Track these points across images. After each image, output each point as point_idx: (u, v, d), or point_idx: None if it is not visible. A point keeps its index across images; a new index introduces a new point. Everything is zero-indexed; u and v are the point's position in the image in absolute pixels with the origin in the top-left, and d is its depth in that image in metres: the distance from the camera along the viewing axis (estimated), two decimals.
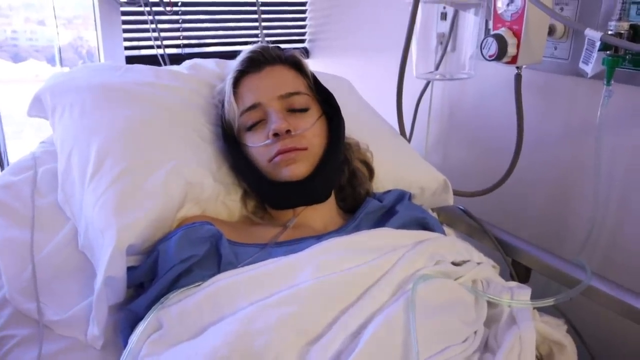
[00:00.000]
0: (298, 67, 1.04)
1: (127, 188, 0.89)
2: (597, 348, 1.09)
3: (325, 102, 1.05)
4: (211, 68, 1.20)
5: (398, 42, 1.54)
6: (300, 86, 1.01)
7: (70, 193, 0.98)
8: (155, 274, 0.86)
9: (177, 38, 1.80)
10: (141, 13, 1.68)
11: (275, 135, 0.94)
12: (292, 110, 0.98)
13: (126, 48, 1.72)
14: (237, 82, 1.00)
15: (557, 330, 0.95)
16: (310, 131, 0.97)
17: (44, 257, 0.95)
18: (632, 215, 1.16)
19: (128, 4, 1.63)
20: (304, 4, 2.02)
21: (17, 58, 1.78)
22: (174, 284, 0.83)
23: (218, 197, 1.00)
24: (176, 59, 1.75)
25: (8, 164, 1.40)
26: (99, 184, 0.91)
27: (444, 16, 1.34)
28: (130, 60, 1.74)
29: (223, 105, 1.02)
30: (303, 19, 2.05)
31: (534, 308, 0.91)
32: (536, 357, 0.93)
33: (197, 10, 1.83)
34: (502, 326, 0.85)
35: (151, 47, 1.73)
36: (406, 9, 1.31)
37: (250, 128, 0.98)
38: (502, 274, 1.04)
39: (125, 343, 0.80)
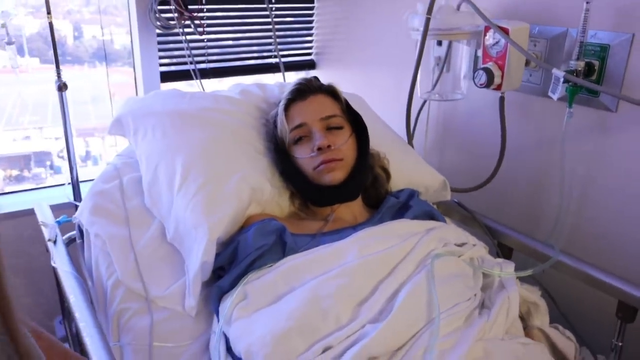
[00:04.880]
0: (334, 95, 1.24)
1: (210, 194, 1.12)
2: (565, 307, 1.26)
3: (355, 121, 1.24)
4: (256, 92, 1.41)
5: (396, 57, 1.69)
6: (336, 110, 1.21)
7: (157, 198, 1.20)
8: (234, 259, 1.06)
9: (203, 54, 1.98)
10: (174, 34, 1.87)
11: (319, 149, 1.14)
12: (330, 129, 1.18)
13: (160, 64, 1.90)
14: (287, 107, 1.21)
15: (533, 294, 1.16)
16: (345, 145, 1.17)
17: (141, 248, 1.16)
18: (589, 205, 1.33)
19: (164, 27, 1.82)
20: (311, 22, 2.18)
21: None
22: (251, 266, 1.03)
23: (273, 198, 1.20)
24: (203, 73, 1.96)
25: None
26: (187, 191, 1.13)
27: (439, 42, 1.52)
28: (164, 75, 1.92)
29: (275, 126, 1.22)
30: (310, 35, 2.21)
31: (517, 277, 1.11)
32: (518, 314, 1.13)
33: (219, 30, 2.01)
34: (494, 290, 1.06)
35: (183, 63, 1.92)
36: (404, 31, 1.47)
37: (296, 142, 1.19)
38: (490, 253, 1.21)
39: (216, 311, 1.02)
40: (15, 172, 2.02)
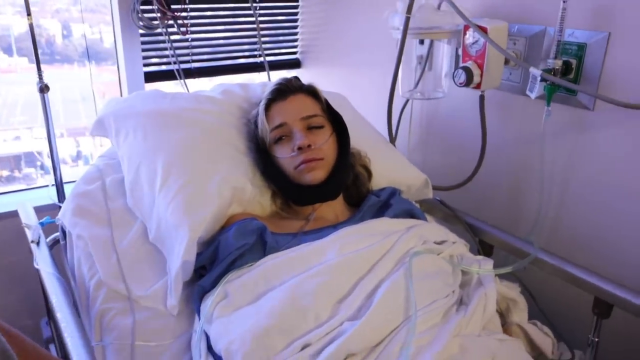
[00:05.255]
0: (314, 94, 1.25)
1: (192, 194, 1.13)
2: (544, 303, 1.26)
3: (335, 120, 1.25)
4: (238, 92, 1.42)
5: (380, 57, 1.69)
6: (317, 109, 1.22)
7: (139, 198, 1.21)
8: (216, 259, 1.07)
9: (187, 54, 1.98)
10: (158, 34, 1.87)
11: (300, 148, 1.15)
12: (310, 128, 1.19)
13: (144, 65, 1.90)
14: (268, 107, 1.22)
15: (512, 291, 1.18)
16: (325, 145, 1.18)
17: (124, 248, 1.17)
18: (569, 203, 1.35)
19: (147, 27, 1.81)
20: (295, 20, 2.19)
21: None
22: (231, 265, 1.04)
23: (255, 197, 1.21)
24: (187, 73, 1.97)
25: None
26: (168, 191, 1.14)
27: (422, 41, 1.53)
28: (148, 75, 1.92)
29: (256, 126, 1.23)
30: (295, 34, 2.22)
31: (496, 275, 1.12)
32: (497, 311, 1.14)
33: (203, 30, 2.01)
34: (472, 287, 1.07)
35: (167, 63, 1.93)
36: (387, 30, 1.48)
37: (277, 142, 1.20)
38: (471, 250, 1.22)
39: (197, 310, 1.03)
40: (5, 173, 2.02)
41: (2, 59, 1.77)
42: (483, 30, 1.23)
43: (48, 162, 1.91)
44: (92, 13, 1.85)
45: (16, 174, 2.02)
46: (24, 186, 1.94)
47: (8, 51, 1.76)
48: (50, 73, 1.56)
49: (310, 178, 1.16)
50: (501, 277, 1.20)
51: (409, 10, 1.33)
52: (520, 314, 1.19)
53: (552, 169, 1.36)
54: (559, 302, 1.35)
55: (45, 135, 1.54)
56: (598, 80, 1.21)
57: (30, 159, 2.07)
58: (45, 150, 2.00)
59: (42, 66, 1.50)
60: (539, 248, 1.23)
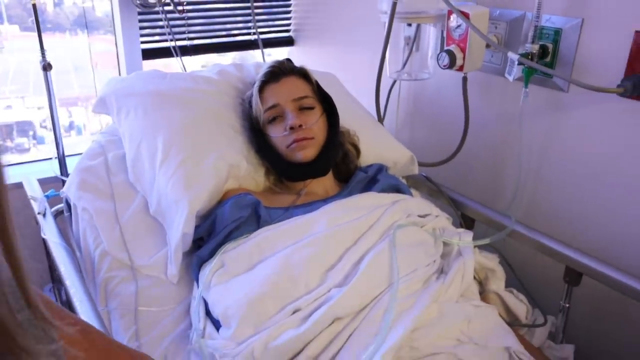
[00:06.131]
0: (305, 76, 1.30)
1: (190, 170, 1.19)
2: (520, 272, 1.31)
3: (325, 101, 1.31)
4: (233, 73, 1.47)
5: (371, 37, 1.71)
6: (308, 91, 1.27)
7: (140, 174, 1.27)
8: (213, 231, 1.14)
9: (184, 32, 2.02)
10: (155, 12, 1.91)
11: (292, 128, 1.21)
12: (302, 109, 1.24)
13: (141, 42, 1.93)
14: (261, 89, 1.27)
15: (490, 261, 1.26)
16: (316, 125, 1.24)
17: (126, 220, 1.24)
18: (544, 178, 1.41)
19: (143, 6, 1.85)
20: None
21: None
22: (228, 237, 1.11)
23: (249, 174, 1.28)
24: (184, 50, 2.01)
25: None
26: (168, 167, 1.20)
27: (409, 24, 1.57)
28: (145, 51, 1.95)
29: (251, 106, 1.29)
30: (288, 12, 2.25)
31: (475, 246, 1.20)
32: (476, 280, 1.24)
33: (199, 8, 2.04)
34: (452, 257, 1.14)
35: (164, 40, 1.97)
36: (378, 14, 1.52)
37: (270, 122, 1.25)
38: (454, 224, 1.29)
39: (196, 278, 1.10)
40: None
41: None
42: (465, 15, 1.28)
43: (41, 132, 1.94)
44: None
45: (8, 143, 2.02)
46: (17, 156, 1.95)
47: None
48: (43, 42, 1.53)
49: (301, 156, 1.22)
50: (481, 248, 1.26)
51: None
52: (497, 283, 1.26)
53: (530, 147, 1.42)
54: (534, 272, 1.42)
55: (37, 104, 1.54)
56: (572, 64, 1.27)
57: (22, 128, 2.07)
58: (38, 119, 2.02)
59: (32, 34, 1.49)
60: (516, 221, 1.30)
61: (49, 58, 1.52)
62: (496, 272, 1.27)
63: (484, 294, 1.25)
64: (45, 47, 1.51)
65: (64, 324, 0.39)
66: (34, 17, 1.49)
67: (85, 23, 1.86)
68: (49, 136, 1.88)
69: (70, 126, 2.20)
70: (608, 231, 1.30)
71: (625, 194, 1.25)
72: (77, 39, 1.92)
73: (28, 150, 2.07)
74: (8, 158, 1.97)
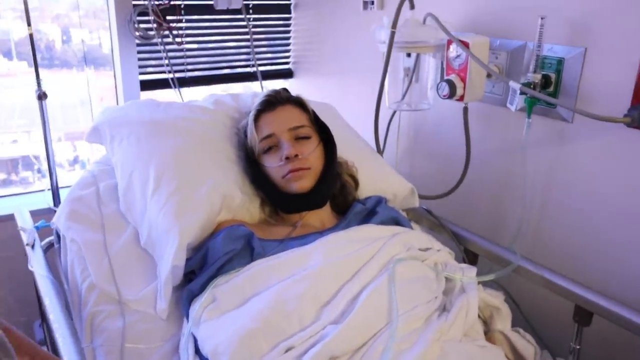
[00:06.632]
0: (301, 105, 1.28)
1: (182, 200, 1.16)
2: (527, 311, 1.29)
3: (322, 130, 1.29)
4: (229, 103, 1.46)
5: (370, 68, 1.71)
6: (304, 120, 1.25)
7: (131, 203, 1.24)
8: (205, 264, 1.10)
9: (182, 64, 2.03)
10: (154, 44, 1.92)
11: (287, 158, 1.18)
12: (298, 138, 1.22)
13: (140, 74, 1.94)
14: (257, 118, 1.25)
15: (496, 299, 1.20)
16: (312, 155, 1.21)
17: (115, 253, 1.20)
18: (550, 211, 1.37)
19: (143, 37, 1.86)
20: (288, 32, 2.24)
21: None
22: (220, 270, 1.07)
23: (244, 205, 1.24)
24: (182, 82, 2.01)
25: None
26: (160, 197, 1.17)
27: (409, 54, 1.58)
28: (144, 83, 1.96)
29: (246, 135, 1.27)
30: (288, 44, 2.26)
31: (479, 282, 1.15)
32: (481, 318, 1.19)
33: (198, 40, 2.05)
34: (455, 294, 1.10)
35: (163, 72, 1.97)
36: (376, 44, 1.51)
37: (266, 151, 1.23)
38: (456, 259, 1.25)
39: (186, 313, 1.05)
40: (3, 176, 2.04)
41: (1, 63, 1.79)
42: (465, 44, 1.27)
43: (45, 166, 1.95)
44: (91, 19, 1.88)
45: (13, 177, 2.05)
46: (21, 190, 1.97)
47: (8, 55, 1.79)
48: (49, 78, 1.58)
49: (297, 187, 1.19)
50: (485, 285, 1.22)
51: (394, 25, 1.37)
52: (503, 322, 1.20)
53: (534, 179, 1.39)
54: (541, 310, 1.37)
55: (42, 139, 1.57)
56: (576, 94, 1.24)
57: (27, 162, 2.10)
58: (43, 154, 2.04)
59: (41, 70, 1.53)
60: (521, 256, 1.25)
61: (56, 93, 1.52)
62: (502, 310, 1.21)
63: (489, 334, 1.19)
64: (52, 82, 1.52)
65: (21, 353, 0.36)
66: (42, 55, 1.51)
67: (84, 58, 1.89)
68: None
69: (75, 160, 2.22)
70: (618, 268, 1.26)
71: (636, 228, 1.21)
72: (83, 75, 1.96)
73: (32, 184, 2.09)
74: (8, 191, 1.97)
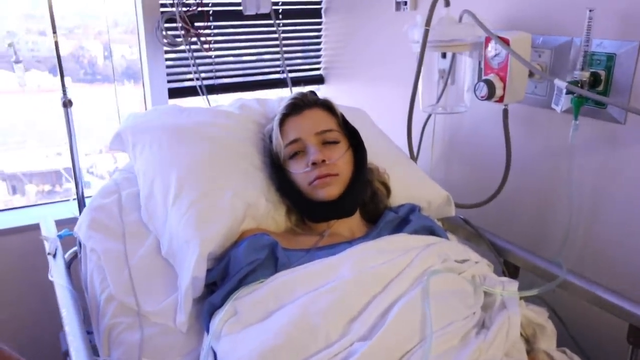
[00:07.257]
0: (330, 109, 1.24)
1: (204, 209, 1.11)
2: (574, 329, 1.24)
3: (352, 135, 1.24)
4: (255, 107, 1.42)
5: (404, 72, 1.67)
6: (332, 124, 1.21)
7: (153, 212, 1.20)
8: (227, 275, 1.06)
9: (211, 71, 2.00)
10: (182, 51, 1.90)
11: (314, 164, 1.13)
12: (326, 143, 1.17)
13: (168, 81, 1.93)
14: (282, 122, 1.21)
15: (539, 316, 1.12)
16: (341, 160, 1.16)
17: (136, 263, 1.17)
18: (600, 220, 1.31)
19: (171, 44, 1.85)
20: (319, 37, 2.20)
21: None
22: (242, 281, 1.02)
23: (269, 213, 1.20)
24: (211, 89, 1.99)
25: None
26: (181, 205, 1.13)
27: (444, 55, 1.52)
28: (172, 91, 1.94)
29: (271, 141, 1.23)
30: (319, 50, 2.23)
31: (521, 298, 1.08)
32: (523, 337, 1.12)
33: (226, 47, 2.03)
34: (495, 310, 1.02)
35: (191, 79, 1.95)
36: (410, 45, 1.47)
37: (292, 157, 1.18)
38: (495, 272, 1.19)
39: (207, 327, 1.01)
40: (47, 187, 2.11)
41: (47, 79, 1.85)
42: (505, 41, 1.19)
43: (87, 177, 1.98)
44: (131, 34, 1.91)
45: (57, 188, 2.10)
46: (49, 200, 2.01)
47: (53, 71, 1.82)
48: (92, 92, 1.63)
49: (324, 194, 1.15)
50: (528, 300, 1.15)
51: (428, 22, 1.31)
52: (547, 341, 1.12)
53: (581, 186, 1.32)
54: (591, 329, 1.30)
55: (85, 151, 1.58)
56: (629, 92, 1.17)
57: (70, 174, 2.16)
58: (85, 165, 2.08)
59: (83, 85, 1.55)
60: (567, 270, 1.18)
61: (97, 106, 1.52)
62: (546, 328, 1.13)
63: (532, 354, 1.11)
64: (94, 96, 1.53)
65: None
66: (85, 71, 1.55)
67: (111, 72, 1.91)
68: (94, 181, 1.98)
69: (114, 172, 2.25)
70: None
71: None
72: (123, 89, 2.00)
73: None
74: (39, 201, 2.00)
